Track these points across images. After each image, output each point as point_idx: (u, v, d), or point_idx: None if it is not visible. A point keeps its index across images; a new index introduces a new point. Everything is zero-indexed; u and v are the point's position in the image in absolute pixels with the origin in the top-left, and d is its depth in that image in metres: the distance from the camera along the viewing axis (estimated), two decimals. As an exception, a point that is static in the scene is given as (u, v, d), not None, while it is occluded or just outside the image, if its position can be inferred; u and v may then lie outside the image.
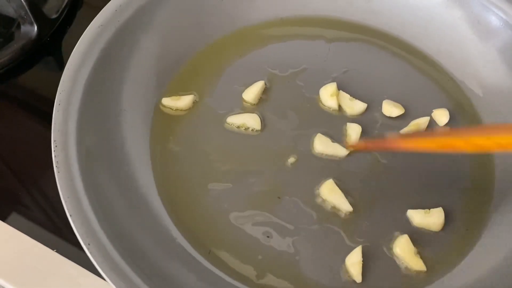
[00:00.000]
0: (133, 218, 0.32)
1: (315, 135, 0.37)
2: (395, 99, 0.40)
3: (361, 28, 0.43)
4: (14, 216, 0.36)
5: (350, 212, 0.34)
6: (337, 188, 0.35)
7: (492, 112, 0.39)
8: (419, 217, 0.34)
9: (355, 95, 0.40)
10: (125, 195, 0.32)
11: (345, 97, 0.39)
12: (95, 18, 0.36)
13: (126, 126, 0.35)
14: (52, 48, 0.46)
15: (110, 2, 0.37)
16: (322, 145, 0.37)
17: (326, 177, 0.36)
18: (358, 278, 0.32)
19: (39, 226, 0.35)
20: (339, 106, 0.39)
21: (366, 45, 0.43)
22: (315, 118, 0.39)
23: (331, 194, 0.35)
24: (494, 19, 0.39)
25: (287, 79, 0.41)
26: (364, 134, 0.38)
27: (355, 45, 0.43)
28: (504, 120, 0.38)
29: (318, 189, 0.35)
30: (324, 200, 0.35)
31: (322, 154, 0.37)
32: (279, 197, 0.35)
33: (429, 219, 0.34)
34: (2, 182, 0.38)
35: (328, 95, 0.39)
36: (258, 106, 0.39)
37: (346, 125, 0.38)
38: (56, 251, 0.35)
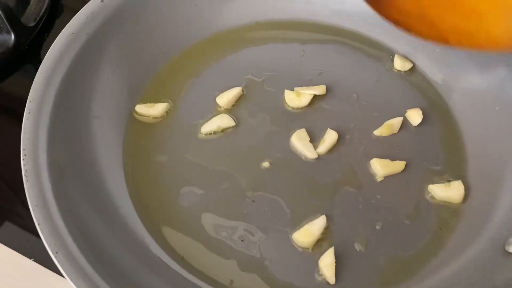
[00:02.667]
0: (104, 226, 0.32)
1: (294, 132, 0.38)
2: (369, 100, 0.40)
3: (335, 30, 0.44)
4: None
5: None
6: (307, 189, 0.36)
7: (464, 109, 0.39)
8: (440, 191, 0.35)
9: (329, 97, 0.40)
10: (96, 203, 0.32)
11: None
12: (66, 26, 0.36)
13: (98, 134, 0.35)
14: (31, 56, 0.46)
15: (81, 10, 0.37)
16: (300, 141, 0.37)
17: (300, 178, 0.36)
18: (331, 279, 0.32)
19: (15, 235, 0.36)
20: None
21: (340, 46, 0.43)
22: (289, 121, 0.39)
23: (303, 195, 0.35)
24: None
25: (262, 82, 0.41)
26: (340, 136, 0.38)
27: (330, 47, 0.43)
28: (477, 117, 0.38)
29: (292, 190, 0.36)
30: (297, 202, 0.35)
31: (297, 150, 0.37)
32: (253, 201, 0.35)
33: (451, 192, 0.35)
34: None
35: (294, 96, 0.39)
36: (232, 110, 0.39)
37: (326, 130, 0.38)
38: (33, 260, 0.35)
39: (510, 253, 0.30)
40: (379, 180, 0.36)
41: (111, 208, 0.33)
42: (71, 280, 0.27)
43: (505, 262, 0.30)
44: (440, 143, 0.38)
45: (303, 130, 0.38)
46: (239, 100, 0.40)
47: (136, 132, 0.38)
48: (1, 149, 0.40)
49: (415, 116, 0.39)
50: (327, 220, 0.34)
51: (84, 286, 0.27)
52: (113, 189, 0.34)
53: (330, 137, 0.38)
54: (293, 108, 0.40)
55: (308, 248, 0.33)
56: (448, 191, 0.35)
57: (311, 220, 0.34)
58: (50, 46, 0.36)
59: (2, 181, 0.39)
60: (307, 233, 0.33)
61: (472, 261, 0.32)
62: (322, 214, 0.34)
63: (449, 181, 0.36)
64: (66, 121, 0.34)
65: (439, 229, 0.34)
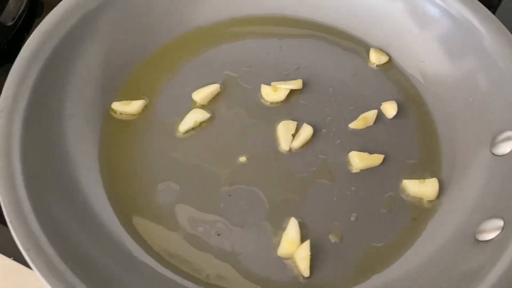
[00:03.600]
0: (79, 224, 0.32)
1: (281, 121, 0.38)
2: (345, 94, 0.40)
3: (312, 24, 0.44)
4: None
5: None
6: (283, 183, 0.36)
7: (437, 101, 0.39)
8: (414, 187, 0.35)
9: (306, 91, 0.40)
10: (70, 201, 0.32)
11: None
12: (41, 23, 0.36)
13: (73, 132, 0.35)
14: (10, 55, 0.46)
15: (56, 7, 0.37)
16: (284, 131, 0.38)
17: (276, 172, 0.36)
18: (306, 272, 0.33)
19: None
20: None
21: (317, 41, 0.43)
22: (266, 115, 0.39)
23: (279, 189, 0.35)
24: (432, 8, 0.39)
25: (239, 78, 0.41)
26: (316, 130, 0.38)
27: (307, 42, 0.43)
28: (450, 108, 0.38)
29: (269, 184, 0.36)
30: (273, 196, 0.35)
31: (277, 139, 0.38)
32: (230, 195, 0.36)
33: (425, 188, 0.35)
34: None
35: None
36: (209, 106, 0.39)
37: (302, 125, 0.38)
38: (13, 259, 0.35)
39: (480, 241, 0.31)
40: (354, 171, 0.37)
41: (86, 205, 0.33)
42: (43, 276, 0.27)
43: (474, 250, 0.31)
44: (415, 136, 0.39)
45: (293, 122, 0.38)
46: (216, 96, 0.40)
47: (113, 129, 0.38)
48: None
49: (390, 109, 0.39)
50: (302, 214, 0.35)
51: (55, 282, 0.27)
52: (88, 186, 0.34)
53: (305, 132, 0.38)
54: (270, 103, 0.40)
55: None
56: (422, 187, 0.35)
57: (286, 220, 0.34)
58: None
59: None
60: (289, 244, 0.33)
61: (442, 250, 0.32)
62: (297, 209, 0.35)
63: (423, 178, 0.36)
64: (40, 119, 0.34)
65: (413, 219, 0.35)
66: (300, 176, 0.36)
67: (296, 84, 0.40)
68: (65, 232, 0.30)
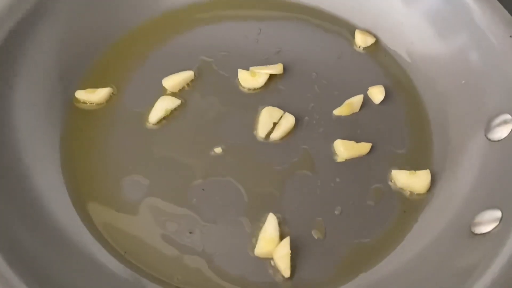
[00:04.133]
0: (30, 222, 0.29)
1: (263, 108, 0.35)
2: (329, 79, 0.37)
3: (294, 6, 0.41)
4: None
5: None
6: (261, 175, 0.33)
7: (428, 84, 0.36)
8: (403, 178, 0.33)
9: (287, 77, 0.37)
10: (22, 198, 0.29)
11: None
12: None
13: (32, 124, 0.32)
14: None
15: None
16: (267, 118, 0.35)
17: (254, 164, 0.34)
18: (286, 272, 0.30)
19: None
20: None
21: (299, 23, 0.40)
22: (244, 103, 0.36)
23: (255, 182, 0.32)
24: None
25: (215, 63, 0.38)
26: (298, 118, 0.35)
27: (288, 24, 0.40)
28: (442, 91, 0.35)
29: (246, 177, 0.33)
30: (250, 190, 0.33)
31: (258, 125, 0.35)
32: (203, 189, 0.33)
33: (415, 180, 0.33)
34: None
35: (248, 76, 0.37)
36: (182, 94, 0.36)
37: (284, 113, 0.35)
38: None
39: (476, 234, 0.28)
40: (339, 161, 0.34)
41: (40, 202, 0.30)
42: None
43: (470, 243, 0.28)
44: (404, 123, 0.36)
45: (278, 110, 0.35)
46: (190, 83, 0.37)
47: (76, 120, 0.35)
48: None
49: (377, 94, 0.36)
50: (281, 209, 0.32)
51: None
52: (47, 183, 0.31)
53: (286, 122, 0.35)
54: (248, 89, 0.37)
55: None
56: (412, 179, 0.33)
57: (264, 215, 0.31)
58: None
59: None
60: (266, 242, 0.30)
61: (435, 245, 0.29)
62: (277, 203, 0.32)
63: (414, 168, 0.33)
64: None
65: (403, 212, 0.32)
66: (280, 168, 0.33)
67: (276, 68, 0.37)
68: (18, 238, 0.27)
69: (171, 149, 0.34)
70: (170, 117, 0.35)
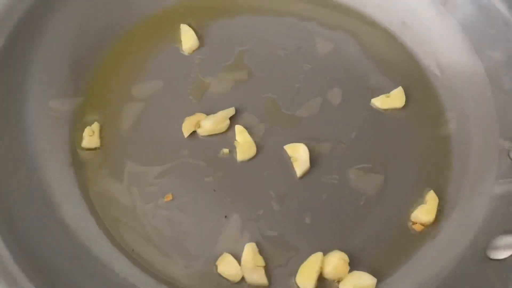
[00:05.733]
0: (39, 221, 0.28)
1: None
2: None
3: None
4: None
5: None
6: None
7: (450, 91, 0.35)
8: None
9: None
10: (35, 197, 0.29)
11: None
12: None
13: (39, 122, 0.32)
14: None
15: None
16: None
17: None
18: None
19: None
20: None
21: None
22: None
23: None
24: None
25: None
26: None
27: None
28: (461, 97, 0.34)
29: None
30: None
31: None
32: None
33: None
34: None
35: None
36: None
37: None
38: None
39: (492, 259, 0.27)
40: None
41: (55, 205, 0.30)
42: None
43: (485, 268, 0.27)
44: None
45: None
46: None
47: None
48: None
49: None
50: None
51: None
52: (56, 176, 0.31)
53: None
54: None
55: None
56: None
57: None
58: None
59: None
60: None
61: (451, 267, 0.29)
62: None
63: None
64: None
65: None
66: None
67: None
68: (24, 232, 0.27)
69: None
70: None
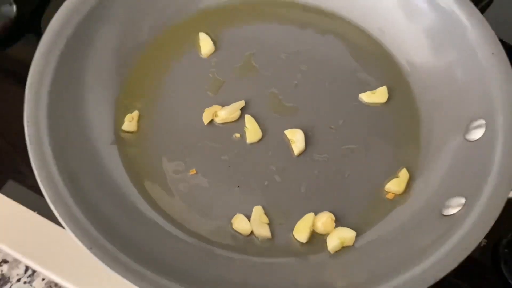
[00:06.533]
0: (97, 185, 0.36)
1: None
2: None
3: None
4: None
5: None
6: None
7: (419, 84, 0.42)
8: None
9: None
10: (90, 162, 0.37)
11: None
12: (63, 4, 0.40)
13: (92, 102, 0.40)
14: (32, 25, 0.49)
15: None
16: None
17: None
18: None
19: (19, 192, 0.41)
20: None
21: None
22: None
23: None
24: (421, 1, 0.42)
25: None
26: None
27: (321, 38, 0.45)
28: (429, 89, 0.42)
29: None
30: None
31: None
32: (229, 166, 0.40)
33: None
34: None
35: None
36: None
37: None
38: (37, 213, 0.40)
39: (444, 215, 0.35)
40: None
41: (102, 168, 0.38)
42: (70, 230, 0.32)
43: (438, 223, 0.35)
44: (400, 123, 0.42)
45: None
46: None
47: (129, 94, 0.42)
48: (6, 111, 0.44)
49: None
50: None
51: (79, 234, 0.32)
52: (104, 152, 0.39)
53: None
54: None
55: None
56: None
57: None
58: (50, 16, 0.39)
59: (6, 142, 0.43)
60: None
61: (406, 222, 0.36)
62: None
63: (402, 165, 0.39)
64: (64, 90, 0.38)
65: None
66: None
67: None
68: (87, 191, 0.35)
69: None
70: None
